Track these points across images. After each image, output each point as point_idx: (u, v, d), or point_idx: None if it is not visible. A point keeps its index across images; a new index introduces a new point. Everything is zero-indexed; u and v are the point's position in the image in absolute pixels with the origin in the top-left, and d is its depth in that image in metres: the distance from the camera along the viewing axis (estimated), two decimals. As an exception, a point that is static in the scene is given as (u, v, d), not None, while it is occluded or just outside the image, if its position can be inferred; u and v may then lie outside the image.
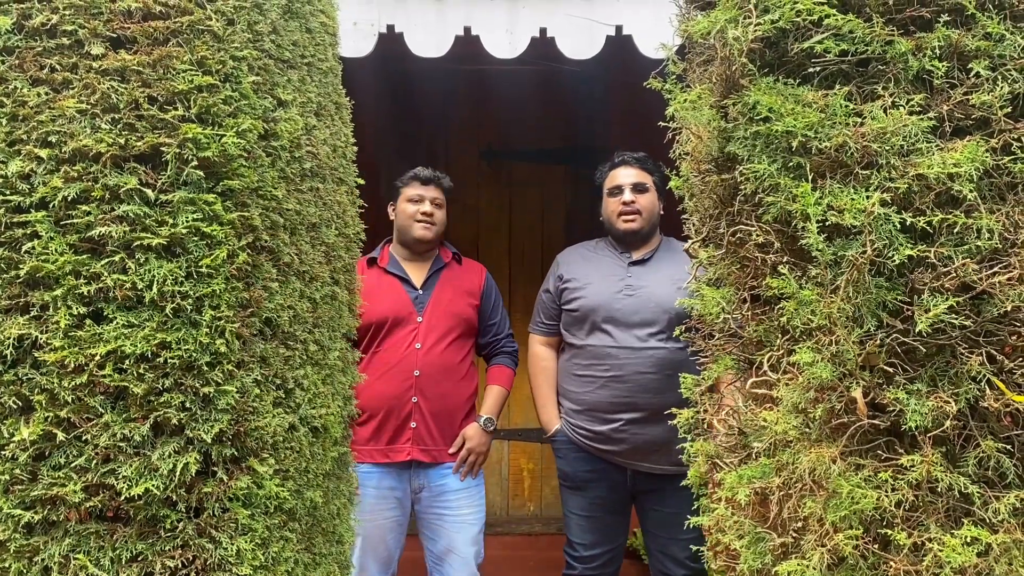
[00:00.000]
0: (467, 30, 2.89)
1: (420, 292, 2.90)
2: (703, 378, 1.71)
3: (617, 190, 2.83)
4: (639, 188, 2.81)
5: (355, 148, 1.99)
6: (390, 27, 2.89)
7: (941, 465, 1.19)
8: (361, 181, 2.04)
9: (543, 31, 2.88)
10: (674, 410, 1.76)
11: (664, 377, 2.63)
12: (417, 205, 2.90)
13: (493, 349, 3.10)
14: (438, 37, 2.89)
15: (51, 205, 1.26)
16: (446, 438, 2.89)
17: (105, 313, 1.26)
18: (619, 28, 2.87)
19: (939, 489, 1.20)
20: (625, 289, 2.75)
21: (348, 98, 2.00)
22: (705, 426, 1.69)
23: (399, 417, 2.79)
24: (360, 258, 2.76)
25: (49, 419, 1.25)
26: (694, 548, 1.79)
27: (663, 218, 2.90)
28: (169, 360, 1.26)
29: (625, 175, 2.84)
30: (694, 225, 1.70)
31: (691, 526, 1.68)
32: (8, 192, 1.27)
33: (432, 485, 2.88)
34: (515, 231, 4.78)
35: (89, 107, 1.28)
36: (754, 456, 1.47)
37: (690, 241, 1.72)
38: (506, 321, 3.14)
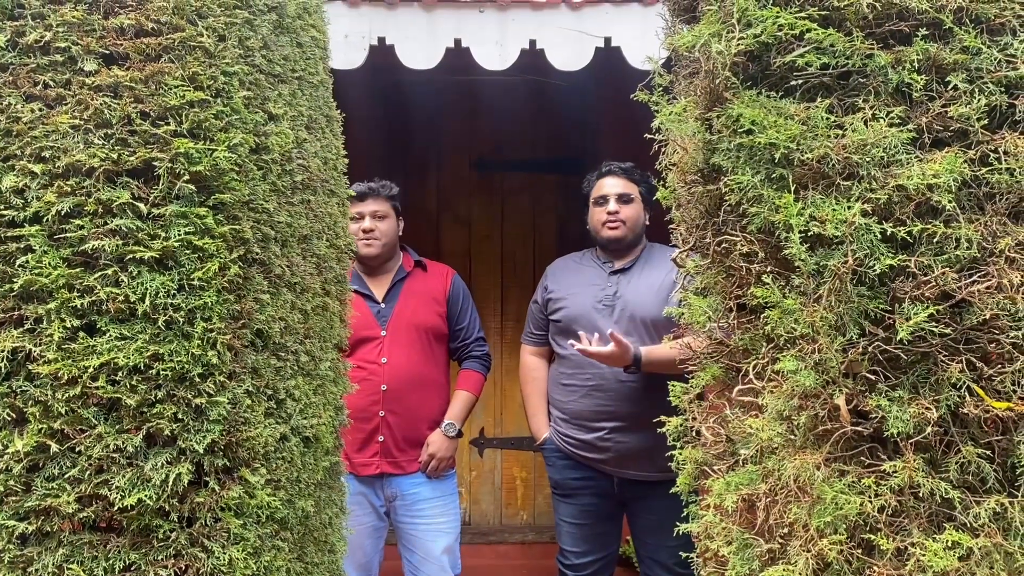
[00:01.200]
0: (457, 42, 2.92)
1: (383, 306, 2.90)
2: (691, 386, 1.72)
3: (603, 200, 2.86)
4: (624, 199, 2.83)
5: (346, 160, 2.01)
6: (381, 39, 2.92)
7: (923, 471, 1.21)
8: (352, 193, 2.06)
9: (533, 43, 2.91)
10: (663, 418, 1.78)
11: (645, 385, 2.66)
12: (358, 223, 2.88)
13: (463, 353, 3.09)
14: (429, 49, 2.92)
15: (45, 219, 1.28)
16: (415, 448, 2.90)
17: (98, 326, 1.28)
18: (608, 40, 2.91)
19: (921, 494, 1.21)
20: (604, 299, 2.79)
21: (339, 110, 2.02)
22: (694, 433, 1.71)
23: (364, 431, 2.81)
24: None
25: (43, 431, 1.26)
26: (683, 555, 1.80)
27: (652, 227, 2.92)
28: (162, 372, 1.27)
29: (611, 185, 2.87)
30: (681, 235, 1.72)
31: (680, 533, 1.69)
32: (2, 207, 1.28)
33: (404, 494, 2.90)
34: (507, 241, 4.80)
35: (82, 122, 1.29)
36: (741, 463, 1.49)
37: (677, 251, 1.75)
38: (476, 324, 3.12)
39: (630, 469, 2.74)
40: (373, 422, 2.80)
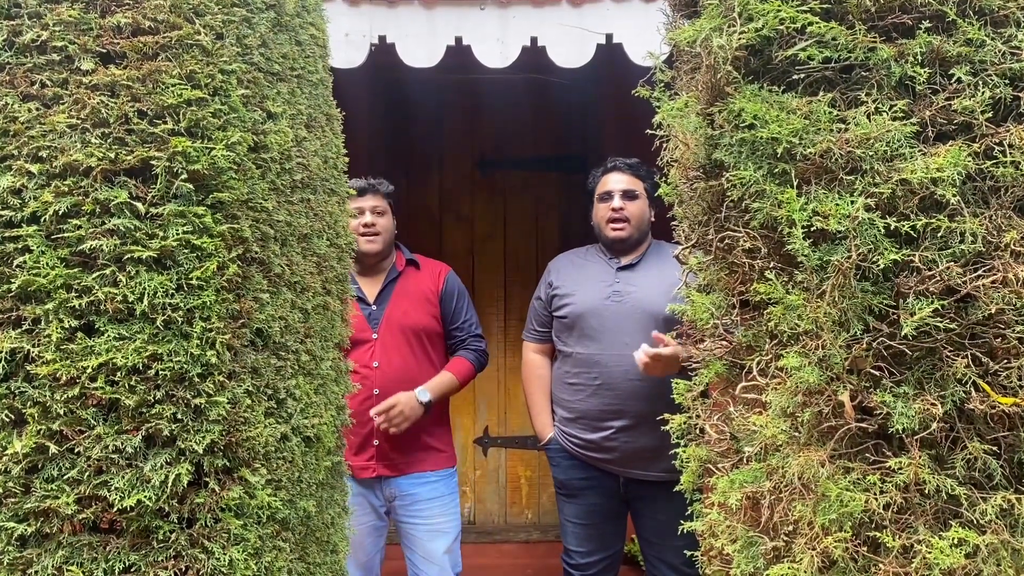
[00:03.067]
0: (458, 40, 2.91)
1: (374, 308, 2.87)
2: (695, 383, 1.71)
3: (607, 196, 2.84)
4: (629, 195, 2.81)
5: (347, 159, 2.00)
6: (382, 38, 2.91)
7: (929, 467, 1.20)
8: (353, 192, 2.05)
9: (534, 40, 2.90)
10: (667, 416, 1.77)
11: (653, 384, 2.62)
12: (359, 219, 2.84)
13: (456, 348, 3.03)
14: (430, 47, 2.91)
15: (42, 219, 1.27)
16: (412, 449, 2.87)
17: (96, 326, 1.27)
18: (609, 37, 2.90)
19: (927, 491, 1.20)
20: (612, 295, 2.75)
21: (340, 109, 2.01)
22: (698, 431, 1.70)
23: (360, 435, 2.78)
24: None
25: (42, 432, 1.25)
26: (688, 554, 1.79)
27: (657, 223, 2.91)
28: (160, 372, 1.26)
29: (616, 181, 2.84)
30: (683, 231, 1.71)
31: (685, 532, 1.68)
32: (0, 207, 1.28)
33: (403, 495, 2.88)
34: (510, 239, 4.80)
35: (79, 122, 1.29)
36: (745, 461, 1.48)
37: (680, 247, 1.74)
38: (472, 322, 3.04)
39: (636, 469, 2.72)
40: (368, 426, 2.78)
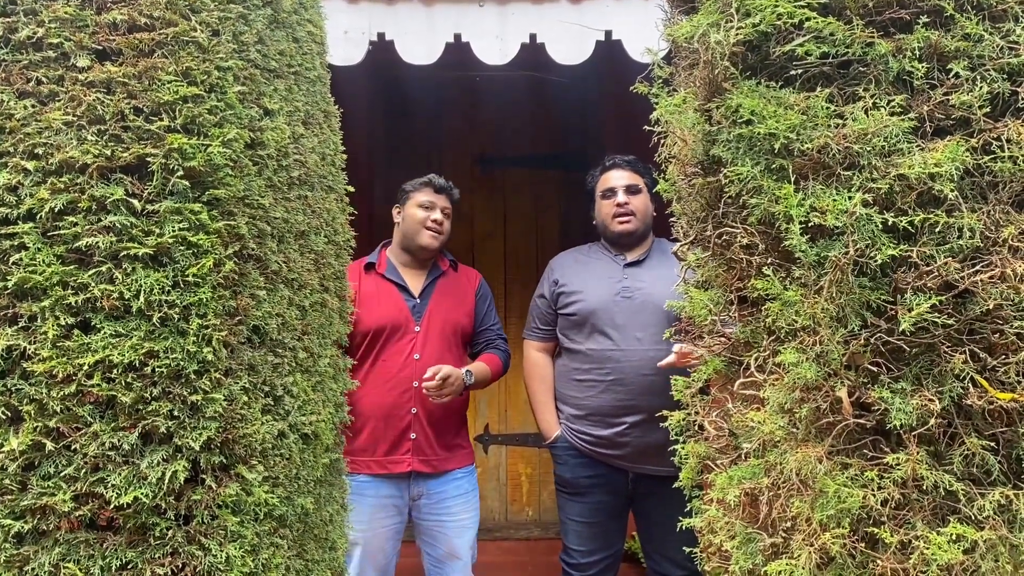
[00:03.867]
0: (457, 37, 2.90)
1: (418, 301, 2.87)
2: (693, 379, 1.71)
3: (610, 192, 2.84)
4: (632, 190, 2.81)
5: (345, 156, 2.00)
6: (380, 35, 2.91)
7: (927, 463, 1.20)
8: (351, 188, 2.05)
9: (533, 37, 2.90)
10: (665, 412, 1.76)
11: (666, 379, 2.61)
12: (428, 212, 2.85)
13: (485, 346, 3.06)
14: (428, 44, 2.91)
15: (38, 217, 1.27)
16: (445, 447, 2.87)
17: (93, 323, 1.27)
18: (608, 33, 2.89)
19: (925, 487, 1.20)
20: (623, 291, 2.75)
21: (339, 106, 2.01)
22: (697, 428, 1.70)
23: (398, 428, 2.77)
24: (355, 262, 2.76)
25: (38, 429, 1.25)
26: (686, 549, 1.79)
27: (654, 220, 2.90)
28: (157, 369, 1.26)
29: (618, 177, 2.84)
30: (682, 228, 1.71)
31: (682, 528, 1.68)
32: (-5, 204, 1.28)
33: (431, 493, 2.88)
34: (510, 236, 4.79)
35: (75, 119, 1.28)
36: (744, 457, 1.47)
37: (678, 244, 1.73)
38: (499, 327, 3.12)
39: (648, 464, 2.71)
40: (405, 419, 2.77)
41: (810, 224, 1.24)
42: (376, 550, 2.78)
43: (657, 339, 2.62)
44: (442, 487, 2.88)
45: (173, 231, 1.28)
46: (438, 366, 2.72)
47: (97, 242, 1.26)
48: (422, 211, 2.85)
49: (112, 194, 1.27)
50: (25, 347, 1.26)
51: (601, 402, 2.74)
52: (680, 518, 1.73)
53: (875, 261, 1.21)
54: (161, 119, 1.30)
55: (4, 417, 1.26)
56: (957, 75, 1.24)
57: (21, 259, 1.26)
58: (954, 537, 1.16)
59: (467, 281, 3.05)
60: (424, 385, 2.69)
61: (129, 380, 1.26)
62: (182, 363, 1.27)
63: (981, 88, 1.22)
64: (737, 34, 1.34)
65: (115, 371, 1.25)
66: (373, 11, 2.92)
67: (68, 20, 1.31)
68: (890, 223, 1.21)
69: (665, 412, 1.76)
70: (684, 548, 2.26)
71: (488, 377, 2.98)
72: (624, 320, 2.71)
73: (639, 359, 2.66)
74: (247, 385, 1.38)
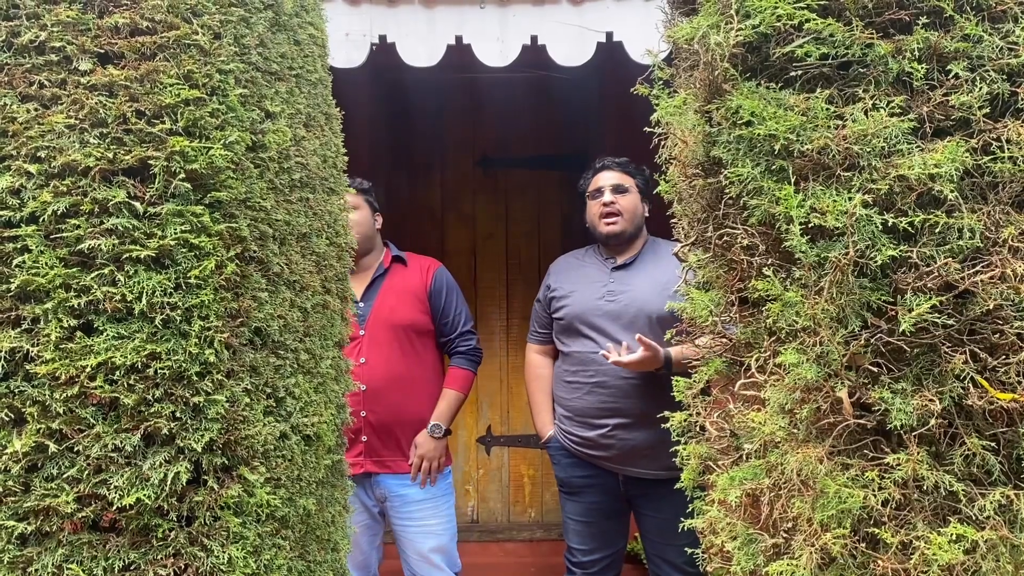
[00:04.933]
0: (458, 39, 2.91)
1: (361, 304, 2.87)
2: (695, 380, 1.71)
3: (598, 192, 2.86)
4: (619, 189, 2.83)
5: (346, 158, 2.00)
6: (382, 37, 2.92)
7: (927, 463, 1.20)
8: (352, 191, 2.05)
9: (534, 39, 2.90)
10: (667, 413, 1.77)
11: (648, 382, 2.64)
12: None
13: (449, 347, 3.04)
14: (430, 46, 2.91)
15: (41, 219, 1.27)
16: (401, 447, 2.89)
17: (95, 325, 1.27)
18: (609, 35, 2.89)
19: (926, 487, 1.20)
20: (607, 295, 2.78)
21: (341, 109, 2.01)
22: (698, 428, 1.70)
23: (350, 431, 2.79)
24: None
25: (41, 431, 1.26)
26: (688, 551, 1.79)
27: (653, 220, 2.91)
28: (159, 370, 1.27)
29: (605, 178, 2.87)
30: (683, 229, 1.71)
31: (683, 529, 1.68)
32: (-2, 207, 1.28)
33: (392, 495, 2.90)
34: (512, 238, 4.80)
35: (78, 122, 1.29)
36: (745, 458, 1.47)
37: (679, 245, 1.74)
38: (462, 317, 3.05)
39: (634, 467, 2.73)
40: (356, 422, 2.79)
41: (810, 225, 1.25)
42: (352, 546, 2.80)
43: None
44: (404, 490, 2.89)
45: (175, 233, 1.28)
46: (411, 461, 2.85)
47: (99, 244, 1.26)
48: None
49: (114, 197, 1.27)
50: (28, 349, 1.26)
51: (586, 403, 2.77)
52: (680, 521, 1.73)
53: (875, 262, 1.21)
54: (163, 122, 1.30)
55: (7, 419, 1.27)
56: (957, 76, 1.24)
57: (24, 262, 1.26)
58: (955, 537, 1.16)
59: (416, 275, 3.00)
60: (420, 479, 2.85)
61: (131, 382, 1.26)
62: (184, 365, 1.28)
63: (981, 89, 1.22)
64: (737, 36, 1.35)
65: (117, 373, 1.26)
66: (375, 13, 2.92)
67: (70, 24, 1.31)
68: (890, 224, 1.21)
69: (667, 413, 1.76)
70: (685, 551, 2.28)
71: (461, 399, 2.99)
72: (606, 323, 2.73)
73: None
74: (249, 387, 1.39)
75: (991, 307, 1.18)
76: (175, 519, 1.29)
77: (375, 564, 2.99)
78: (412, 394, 2.89)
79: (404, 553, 2.96)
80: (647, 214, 2.89)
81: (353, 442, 2.82)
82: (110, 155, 1.28)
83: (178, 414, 1.28)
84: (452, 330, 3.01)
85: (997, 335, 1.19)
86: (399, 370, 2.85)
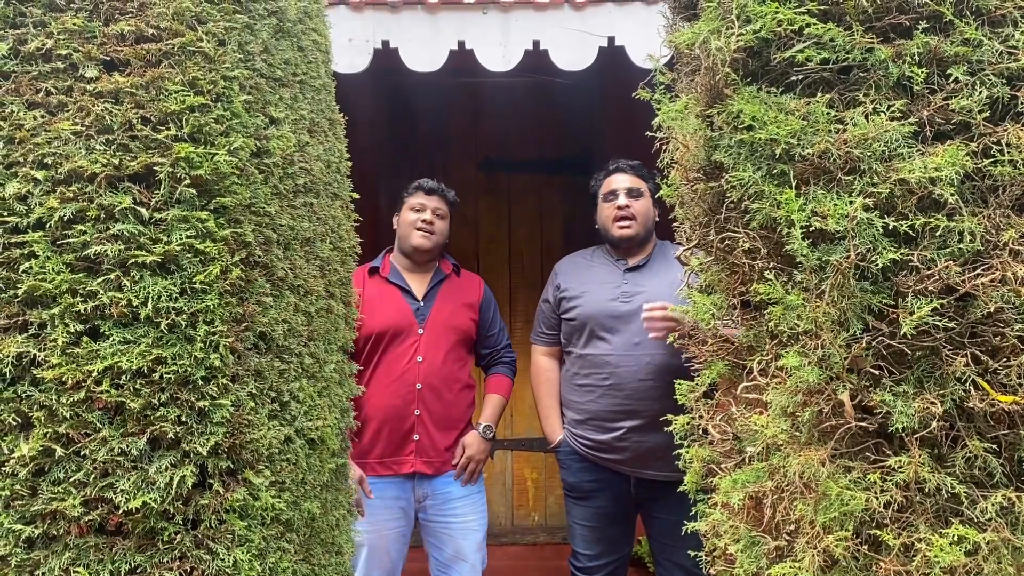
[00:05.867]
0: (461, 44, 2.92)
1: (421, 304, 2.91)
2: (697, 384, 1.72)
3: (612, 195, 2.84)
4: (634, 193, 2.81)
5: (349, 163, 2.01)
6: (385, 43, 2.93)
7: (929, 466, 1.20)
8: (356, 195, 2.06)
9: (536, 44, 2.91)
10: (670, 416, 1.77)
11: (663, 383, 2.61)
12: (419, 213, 2.91)
13: (492, 359, 3.12)
14: (432, 51, 2.92)
15: (48, 225, 1.28)
16: (449, 448, 2.90)
17: (102, 330, 1.28)
18: (611, 39, 2.90)
19: (927, 490, 1.21)
20: (621, 296, 2.76)
21: (344, 114, 2.02)
22: (701, 432, 1.71)
23: (401, 430, 2.80)
24: (361, 266, 2.80)
25: (48, 435, 1.27)
26: (692, 553, 1.79)
27: (658, 225, 2.91)
28: (165, 375, 1.28)
29: (620, 180, 2.85)
30: (685, 233, 1.72)
31: (687, 532, 1.69)
32: (6, 213, 1.29)
33: (436, 494, 2.90)
34: (514, 240, 4.81)
35: (84, 129, 1.30)
36: (748, 461, 1.48)
37: (681, 249, 1.74)
38: (504, 332, 3.17)
39: (648, 469, 2.71)
40: (409, 421, 2.81)
41: (811, 229, 1.25)
42: (381, 552, 2.80)
43: (654, 344, 2.63)
44: (447, 487, 2.91)
45: (180, 239, 1.29)
46: (456, 461, 2.91)
47: (105, 250, 1.27)
48: (413, 213, 2.92)
49: (120, 203, 1.28)
50: (35, 354, 1.27)
51: (599, 407, 2.74)
52: (686, 522, 1.73)
53: (876, 265, 1.22)
54: (168, 128, 1.31)
55: (15, 423, 1.28)
56: (957, 80, 1.25)
57: (31, 267, 1.27)
58: (956, 539, 1.17)
59: (470, 287, 3.09)
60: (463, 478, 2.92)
61: (137, 386, 1.27)
62: (190, 369, 1.29)
63: (980, 93, 1.23)
64: (738, 40, 1.35)
65: (124, 377, 1.27)
66: (377, 19, 2.94)
67: (76, 31, 1.32)
68: (891, 227, 1.22)
69: (669, 416, 1.77)
70: (691, 553, 2.27)
71: (504, 403, 3.10)
72: (621, 325, 2.72)
73: (636, 364, 2.66)
74: (254, 391, 1.40)
75: (992, 310, 1.18)
76: (181, 522, 1.29)
77: (400, 569, 2.98)
78: (459, 396, 2.94)
79: (439, 551, 2.95)
80: (657, 218, 2.89)
81: (404, 440, 2.82)
82: (116, 161, 1.29)
83: (184, 418, 1.29)
84: (497, 342, 3.12)
85: (998, 338, 1.20)
86: (452, 372, 2.90)
